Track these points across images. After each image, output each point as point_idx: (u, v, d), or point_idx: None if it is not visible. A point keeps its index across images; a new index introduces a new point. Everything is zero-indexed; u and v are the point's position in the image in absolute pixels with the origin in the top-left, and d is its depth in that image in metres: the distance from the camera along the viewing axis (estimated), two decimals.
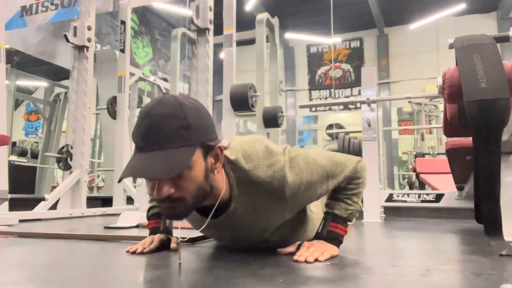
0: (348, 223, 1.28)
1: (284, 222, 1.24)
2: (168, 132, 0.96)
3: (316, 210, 1.43)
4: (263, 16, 5.13)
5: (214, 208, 1.11)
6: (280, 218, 1.21)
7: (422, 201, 3.12)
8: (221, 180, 1.09)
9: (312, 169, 1.16)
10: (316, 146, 13.57)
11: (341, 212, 1.24)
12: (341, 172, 1.22)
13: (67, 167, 4.13)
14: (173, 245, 1.38)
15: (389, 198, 3.20)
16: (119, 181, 1.04)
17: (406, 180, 9.84)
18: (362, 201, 1.32)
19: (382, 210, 3.14)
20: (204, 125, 1.02)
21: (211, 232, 1.31)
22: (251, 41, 5.62)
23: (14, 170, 6.04)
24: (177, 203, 1.01)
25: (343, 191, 1.26)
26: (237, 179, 1.11)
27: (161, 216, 1.44)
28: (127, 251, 1.32)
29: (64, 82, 9.22)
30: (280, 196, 1.12)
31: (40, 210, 3.24)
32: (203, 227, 1.17)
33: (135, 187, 3.50)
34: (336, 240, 1.24)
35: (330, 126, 10.99)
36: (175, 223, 1.49)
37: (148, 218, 1.47)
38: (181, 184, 0.98)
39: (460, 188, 2.97)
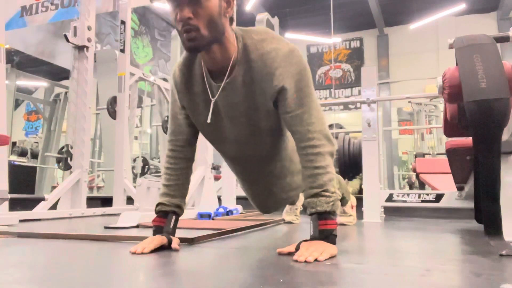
0: (336, 214, 1.29)
1: (268, 140, 1.40)
2: None
3: (295, 167, 1.55)
4: (263, 16, 5.13)
5: (229, 68, 1.28)
6: (265, 107, 1.31)
7: (422, 201, 3.12)
8: (231, 34, 1.27)
9: (304, 84, 1.29)
10: None
11: (323, 207, 1.24)
12: (314, 131, 1.27)
13: (67, 167, 4.14)
14: (175, 245, 1.38)
15: (389, 198, 3.20)
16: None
17: (406, 180, 9.85)
18: (343, 190, 1.41)
19: (382, 210, 3.14)
20: None
21: (214, 122, 1.39)
22: None
23: (14, 170, 6.04)
24: (194, 33, 1.19)
25: (313, 175, 1.26)
26: (244, 45, 1.27)
27: (167, 215, 1.45)
28: (130, 252, 1.32)
29: (64, 82, 9.22)
30: (272, 75, 1.25)
31: (40, 210, 3.24)
32: (216, 96, 1.32)
33: (135, 187, 3.50)
34: (330, 236, 1.24)
35: (330, 126, 10.98)
36: (179, 224, 1.49)
37: (156, 212, 1.48)
38: (198, 11, 1.18)
39: (460, 188, 2.97)
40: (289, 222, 2.62)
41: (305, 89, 1.30)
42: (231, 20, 1.29)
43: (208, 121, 1.37)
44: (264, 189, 1.64)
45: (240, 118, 1.36)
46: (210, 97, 1.35)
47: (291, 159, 1.54)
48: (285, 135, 1.48)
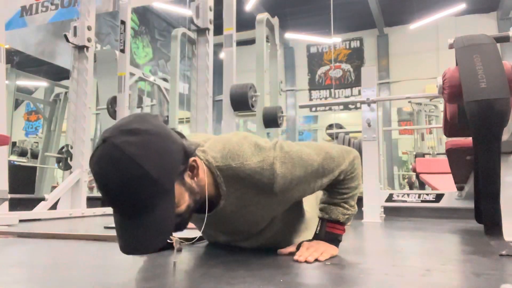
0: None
1: (277, 217, 1.23)
2: (140, 200, 0.89)
3: (310, 209, 1.41)
4: (263, 16, 5.13)
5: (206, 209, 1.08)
6: (271, 212, 1.19)
7: (422, 201, 3.12)
8: (202, 177, 1.06)
9: (306, 164, 1.12)
10: None
11: (337, 217, 1.22)
12: (335, 168, 1.18)
13: (67, 167, 4.14)
14: (176, 245, 1.37)
15: (389, 198, 3.20)
16: (125, 253, 0.95)
17: (406, 180, 9.85)
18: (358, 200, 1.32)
19: (382, 210, 3.14)
20: (168, 161, 0.93)
21: (207, 230, 1.29)
22: (251, 41, 5.61)
23: (14, 170, 6.03)
24: (179, 223, 1.00)
25: (339, 193, 1.22)
26: (225, 178, 1.08)
27: None
28: None
29: (64, 82, 9.21)
30: (270, 192, 1.09)
31: (40, 210, 3.24)
32: (203, 227, 1.15)
33: None
34: (335, 240, 1.24)
35: (330, 126, 10.98)
36: None
37: None
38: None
39: (460, 188, 2.97)
40: None
41: (303, 173, 1.12)
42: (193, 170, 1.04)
43: (201, 233, 1.27)
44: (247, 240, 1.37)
45: (232, 227, 1.24)
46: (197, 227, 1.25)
47: (287, 221, 1.32)
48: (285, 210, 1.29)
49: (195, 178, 1.03)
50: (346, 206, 1.23)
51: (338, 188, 1.23)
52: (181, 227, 1.04)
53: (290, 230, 1.33)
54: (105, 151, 0.88)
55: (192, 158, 1.01)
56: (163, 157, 0.92)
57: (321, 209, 1.26)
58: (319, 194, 1.32)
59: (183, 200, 0.99)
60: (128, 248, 0.92)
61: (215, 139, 1.15)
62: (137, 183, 0.87)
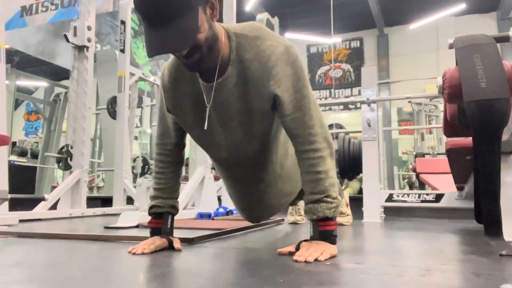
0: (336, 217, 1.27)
1: (260, 144, 1.34)
2: (171, 3, 1.05)
3: (294, 180, 1.51)
4: (263, 16, 5.13)
5: (217, 68, 1.22)
6: (261, 108, 1.26)
7: (422, 201, 3.12)
8: (220, 34, 1.21)
9: (304, 76, 1.25)
10: None
11: (325, 214, 1.22)
12: (315, 124, 1.24)
13: (67, 167, 4.14)
14: (177, 245, 1.37)
15: (389, 198, 3.20)
16: (151, 56, 1.12)
17: (406, 180, 9.85)
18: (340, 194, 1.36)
19: (382, 210, 3.14)
20: None
21: (207, 126, 1.32)
22: None
23: (14, 170, 6.03)
24: (195, 56, 1.14)
25: (314, 181, 1.23)
26: (237, 44, 1.22)
27: (162, 216, 1.43)
28: (129, 252, 1.32)
29: (64, 82, 9.22)
30: (268, 74, 1.20)
31: (40, 210, 3.24)
32: (209, 105, 1.26)
33: (135, 187, 3.50)
34: (331, 237, 1.24)
35: (330, 126, 10.98)
36: (176, 224, 1.49)
37: (149, 214, 1.45)
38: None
39: (460, 188, 2.97)
40: (294, 223, 2.62)
41: (303, 90, 1.24)
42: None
43: (205, 128, 1.30)
44: (255, 198, 1.54)
45: (231, 121, 1.29)
46: (201, 99, 1.29)
47: (282, 164, 1.47)
48: (277, 139, 1.41)
49: (213, 19, 1.17)
50: (329, 200, 1.23)
51: (309, 168, 1.23)
52: (194, 66, 1.18)
53: (278, 179, 1.47)
54: None
55: None
56: None
57: (306, 212, 1.26)
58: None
59: (203, 28, 1.12)
60: (155, 48, 1.08)
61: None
62: None
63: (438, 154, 7.41)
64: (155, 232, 1.42)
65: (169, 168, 1.45)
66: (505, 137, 1.59)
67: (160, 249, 1.35)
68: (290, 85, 1.23)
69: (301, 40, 12.92)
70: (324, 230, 1.23)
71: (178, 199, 1.49)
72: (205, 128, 1.30)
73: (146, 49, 1.09)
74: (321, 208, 1.22)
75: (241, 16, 4.95)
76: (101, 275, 1.06)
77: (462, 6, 10.68)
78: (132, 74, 4.38)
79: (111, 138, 5.29)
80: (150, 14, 1.07)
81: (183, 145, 1.48)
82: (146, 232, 1.48)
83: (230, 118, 1.29)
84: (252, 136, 1.31)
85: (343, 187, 3.59)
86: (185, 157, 1.54)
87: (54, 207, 3.48)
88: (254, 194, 1.53)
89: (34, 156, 8.31)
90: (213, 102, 1.27)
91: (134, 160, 5.26)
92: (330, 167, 1.25)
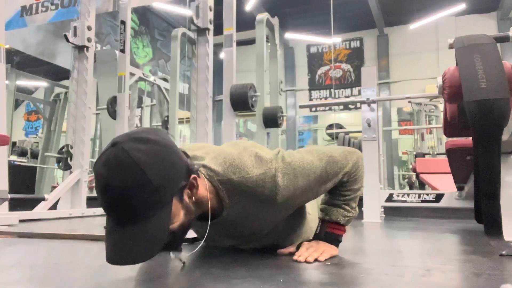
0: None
1: (280, 221, 1.22)
2: (137, 206, 0.89)
3: (312, 212, 1.40)
4: (263, 16, 5.13)
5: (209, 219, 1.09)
6: (275, 218, 1.19)
7: (422, 201, 3.12)
8: (203, 194, 1.06)
9: (308, 173, 1.11)
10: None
11: (338, 219, 1.22)
12: (339, 171, 1.17)
13: (67, 167, 4.13)
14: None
15: (389, 198, 3.20)
16: (110, 263, 0.93)
17: (406, 180, 9.85)
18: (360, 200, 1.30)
19: (382, 210, 3.14)
20: (171, 174, 0.94)
21: (211, 235, 1.26)
22: (251, 41, 5.61)
23: (14, 170, 6.03)
24: (172, 239, 0.99)
25: (341, 195, 1.21)
26: (227, 190, 1.08)
27: None
28: None
29: (64, 82, 9.22)
30: (273, 203, 1.09)
31: (40, 210, 3.24)
32: (206, 235, 1.13)
33: None
34: (335, 240, 1.24)
35: (330, 126, 10.98)
36: None
37: None
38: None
39: (460, 188, 2.97)
40: None
41: (305, 182, 1.11)
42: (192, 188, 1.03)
43: (203, 241, 1.18)
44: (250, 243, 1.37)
45: (237, 235, 1.24)
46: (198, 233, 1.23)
47: (292, 226, 1.34)
48: (289, 216, 1.26)
49: (193, 198, 1.02)
50: (347, 208, 1.22)
51: (340, 190, 1.22)
52: (175, 245, 1.05)
53: (292, 232, 1.33)
54: (112, 154, 0.90)
55: (193, 175, 1.01)
56: (167, 168, 0.93)
57: (321, 210, 1.26)
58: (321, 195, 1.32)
59: (178, 218, 0.98)
60: (115, 258, 0.90)
61: (216, 151, 1.14)
62: (137, 189, 0.88)
63: (438, 154, 7.40)
64: None
65: None
66: (505, 137, 1.59)
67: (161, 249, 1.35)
68: (303, 190, 1.12)
69: (301, 40, 12.94)
70: (331, 232, 1.23)
71: None
72: (203, 241, 1.19)
73: (106, 254, 0.91)
74: (337, 212, 1.22)
75: (241, 16, 4.96)
76: (101, 275, 1.05)
77: (462, 6, 10.68)
78: (132, 74, 4.38)
79: (111, 138, 5.28)
80: (114, 211, 0.92)
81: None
82: None
83: (234, 232, 1.24)
84: (260, 231, 1.24)
85: None
86: None
87: (54, 207, 3.48)
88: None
89: (34, 156, 8.31)
90: (213, 234, 1.18)
91: None
92: (360, 185, 1.23)
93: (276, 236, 1.27)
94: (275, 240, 1.29)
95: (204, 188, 1.06)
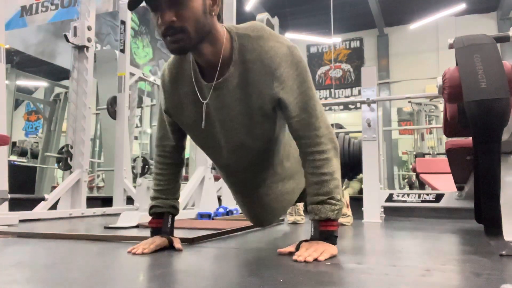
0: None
1: (261, 146, 1.32)
2: None
3: (294, 162, 1.50)
4: (263, 16, 5.12)
5: (219, 65, 1.19)
6: (260, 118, 1.24)
7: (422, 201, 3.11)
8: (221, 32, 1.19)
9: (308, 78, 1.25)
10: None
11: (328, 215, 1.22)
12: (320, 126, 1.23)
13: (67, 167, 4.13)
14: (177, 245, 1.37)
15: (389, 198, 3.20)
16: (131, 8, 1.14)
17: (406, 180, 9.85)
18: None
19: (382, 210, 3.14)
20: None
21: (208, 127, 1.31)
22: None
23: (14, 170, 6.03)
24: (180, 35, 1.11)
25: (319, 182, 1.22)
26: (240, 45, 1.19)
27: (162, 216, 1.44)
28: (129, 252, 1.32)
29: (64, 82, 9.22)
30: (272, 75, 1.18)
31: (40, 210, 3.24)
32: (207, 98, 1.24)
33: (135, 187, 3.50)
34: (331, 237, 1.24)
35: None
36: (176, 224, 1.49)
37: (150, 214, 1.46)
38: (181, 13, 1.10)
39: (460, 188, 2.97)
40: (294, 223, 2.62)
41: (308, 91, 1.24)
42: (218, 17, 1.21)
43: (203, 126, 1.28)
44: (258, 200, 1.53)
45: (232, 122, 1.27)
46: (200, 98, 1.27)
47: (283, 166, 1.47)
48: (279, 141, 1.40)
49: (212, 13, 1.16)
50: (333, 202, 1.22)
51: (314, 170, 1.23)
52: (178, 48, 1.14)
53: (279, 179, 1.45)
54: None
55: None
56: None
57: (309, 211, 1.26)
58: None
59: (196, 5, 1.11)
60: None
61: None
62: None
63: (438, 154, 7.41)
64: (155, 232, 1.42)
65: (169, 169, 1.45)
66: (505, 137, 1.59)
67: (160, 248, 1.35)
68: (295, 87, 1.22)
69: (301, 40, 12.92)
70: (325, 230, 1.23)
71: (179, 200, 1.49)
72: (203, 127, 1.28)
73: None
74: (325, 209, 1.22)
75: (241, 16, 4.96)
76: (101, 275, 1.06)
77: (462, 6, 10.69)
78: (132, 74, 4.38)
79: (111, 138, 5.29)
80: None
81: (182, 147, 1.47)
82: (146, 232, 1.48)
83: (231, 119, 1.27)
84: (253, 137, 1.30)
85: (344, 187, 3.60)
86: (185, 157, 1.54)
87: (54, 207, 3.48)
88: (256, 198, 1.52)
89: (34, 156, 8.31)
90: (213, 103, 1.26)
91: (134, 160, 5.26)
92: (335, 168, 1.25)
93: (263, 160, 1.38)
94: (259, 153, 1.36)
95: (222, 30, 1.20)
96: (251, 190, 1.50)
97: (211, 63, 1.21)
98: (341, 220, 2.48)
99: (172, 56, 1.34)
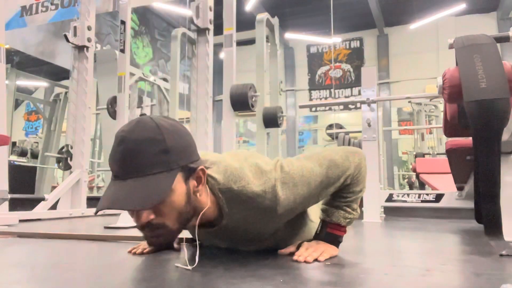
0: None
1: (281, 226, 1.21)
2: (146, 158, 0.92)
3: (315, 220, 1.37)
4: (263, 16, 5.13)
5: (197, 224, 1.06)
6: (275, 224, 1.18)
7: (422, 201, 3.12)
8: (205, 201, 1.06)
9: (309, 180, 1.10)
10: (316, 146, 13.57)
11: (339, 220, 1.21)
12: (341, 175, 1.15)
13: (67, 167, 4.13)
14: (175, 245, 1.37)
15: (389, 198, 3.20)
16: (96, 213, 0.96)
17: (406, 180, 9.85)
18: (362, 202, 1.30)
19: (382, 210, 3.14)
20: (185, 146, 0.99)
21: (207, 238, 1.28)
22: (251, 41, 5.62)
23: (14, 170, 6.03)
24: (159, 230, 0.99)
25: (342, 197, 1.20)
26: (226, 199, 1.08)
27: None
28: (129, 252, 1.32)
29: (64, 82, 9.22)
30: (273, 212, 1.09)
31: (40, 210, 3.24)
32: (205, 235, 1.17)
33: None
34: (335, 241, 1.23)
35: (330, 126, 11.00)
36: None
37: None
38: (161, 210, 0.96)
39: (460, 188, 2.97)
40: None
41: (306, 189, 1.11)
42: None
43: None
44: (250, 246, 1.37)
45: (242, 239, 1.23)
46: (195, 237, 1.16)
47: (310, 219, 1.34)
48: (290, 220, 1.24)
49: (197, 194, 1.02)
50: (349, 210, 1.21)
51: (342, 192, 1.20)
52: (155, 240, 1.03)
53: (293, 235, 1.32)
54: (139, 118, 1.01)
55: (201, 166, 1.02)
56: (182, 141, 1.00)
57: (322, 210, 1.25)
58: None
59: (177, 196, 0.97)
60: (108, 203, 0.91)
61: (217, 159, 1.13)
62: (150, 143, 0.94)
63: (438, 154, 7.40)
64: None
65: None
66: (505, 137, 1.59)
67: (160, 248, 1.35)
68: (301, 192, 1.11)
69: (301, 40, 12.94)
70: (331, 233, 1.23)
71: None
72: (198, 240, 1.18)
73: (100, 203, 0.93)
74: (338, 214, 1.21)
75: (241, 16, 4.96)
76: (101, 275, 1.05)
77: (462, 6, 10.69)
78: (132, 74, 4.39)
79: (111, 138, 5.28)
80: (123, 164, 0.94)
81: None
82: None
83: (236, 242, 1.25)
84: (259, 236, 1.24)
85: None
86: None
87: (54, 207, 3.48)
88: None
89: (34, 156, 8.31)
90: (211, 238, 1.22)
91: None
92: (362, 186, 1.21)
93: (276, 239, 1.27)
94: (275, 243, 1.28)
95: (206, 194, 1.06)
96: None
97: (202, 223, 1.10)
98: None
99: None
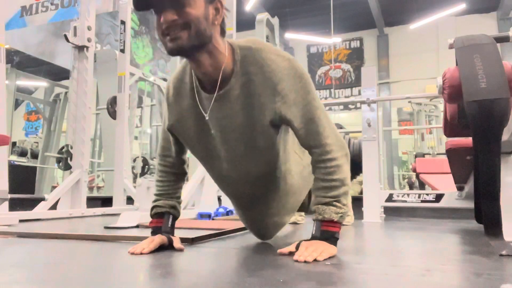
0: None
1: (262, 159, 1.30)
2: None
3: (297, 177, 1.47)
4: (263, 16, 5.13)
5: (220, 76, 1.19)
6: (262, 129, 1.24)
7: (422, 201, 3.11)
8: (222, 45, 1.20)
9: (314, 96, 1.24)
10: None
11: (331, 216, 1.22)
12: (328, 135, 1.23)
13: (67, 167, 4.14)
14: (177, 245, 1.37)
15: (389, 198, 3.20)
16: (138, 9, 1.17)
17: (406, 180, 9.85)
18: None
19: (382, 210, 3.14)
20: None
21: (211, 118, 1.29)
22: None
23: (14, 170, 6.03)
24: (180, 33, 1.11)
25: (327, 187, 1.23)
26: (242, 57, 1.21)
27: (163, 216, 1.44)
28: (129, 252, 1.32)
29: (64, 82, 9.23)
30: (273, 90, 1.19)
31: (40, 210, 3.24)
32: (208, 110, 1.25)
33: (135, 187, 3.50)
34: (332, 238, 1.24)
35: None
36: (177, 224, 1.49)
37: (151, 216, 1.46)
38: (184, 11, 1.11)
39: (460, 188, 2.97)
40: (294, 223, 2.61)
41: (313, 102, 1.23)
42: (222, 31, 1.21)
43: (212, 133, 1.28)
44: (259, 213, 1.51)
45: (233, 133, 1.26)
46: (201, 109, 1.27)
47: (285, 180, 1.44)
48: (279, 154, 1.36)
49: (215, 22, 1.17)
50: (339, 205, 1.23)
51: (325, 176, 1.23)
52: (177, 49, 1.14)
53: (282, 193, 1.43)
54: None
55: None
56: None
57: (314, 211, 1.26)
58: (307, 167, 1.37)
59: (199, 10, 1.12)
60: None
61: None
62: None
63: (438, 154, 7.41)
64: (156, 231, 1.43)
65: (171, 177, 1.47)
66: (505, 137, 1.59)
67: (161, 248, 1.35)
68: (300, 98, 1.22)
69: (301, 40, 12.94)
70: (326, 230, 1.23)
71: (180, 202, 1.50)
72: (211, 133, 1.28)
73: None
74: (329, 210, 1.22)
75: (241, 16, 4.96)
76: (101, 275, 1.05)
77: (462, 6, 10.69)
78: (132, 74, 4.38)
79: (111, 138, 5.29)
80: None
81: (184, 161, 1.49)
82: (146, 232, 1.48)
83: (232, 130, 1.26)
84: (254, 150, 1.29)
85: None
86: (186, 158, 1.55)
87: (54, 207, 3.49)
88: (259, 210, 1.50)
89: (34, 156, 8.32)
90: (214, 115, 1.26)
91: (134, 160, 5.26)
92: (346, 175, 1.25)
93: (265, 157, 1.33)
94: (262, 163, 1.33)
95: (223, 43, 1.20)
96: (253, 203, 1.48)
97: (210, 76, 1.21)
98: None
99: (175, 71, 1.36)
